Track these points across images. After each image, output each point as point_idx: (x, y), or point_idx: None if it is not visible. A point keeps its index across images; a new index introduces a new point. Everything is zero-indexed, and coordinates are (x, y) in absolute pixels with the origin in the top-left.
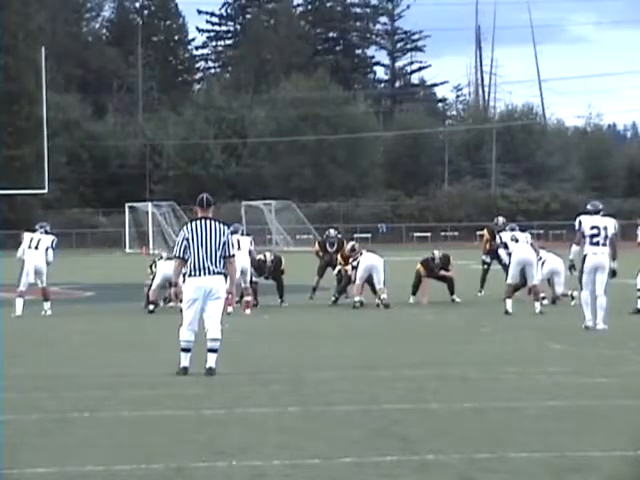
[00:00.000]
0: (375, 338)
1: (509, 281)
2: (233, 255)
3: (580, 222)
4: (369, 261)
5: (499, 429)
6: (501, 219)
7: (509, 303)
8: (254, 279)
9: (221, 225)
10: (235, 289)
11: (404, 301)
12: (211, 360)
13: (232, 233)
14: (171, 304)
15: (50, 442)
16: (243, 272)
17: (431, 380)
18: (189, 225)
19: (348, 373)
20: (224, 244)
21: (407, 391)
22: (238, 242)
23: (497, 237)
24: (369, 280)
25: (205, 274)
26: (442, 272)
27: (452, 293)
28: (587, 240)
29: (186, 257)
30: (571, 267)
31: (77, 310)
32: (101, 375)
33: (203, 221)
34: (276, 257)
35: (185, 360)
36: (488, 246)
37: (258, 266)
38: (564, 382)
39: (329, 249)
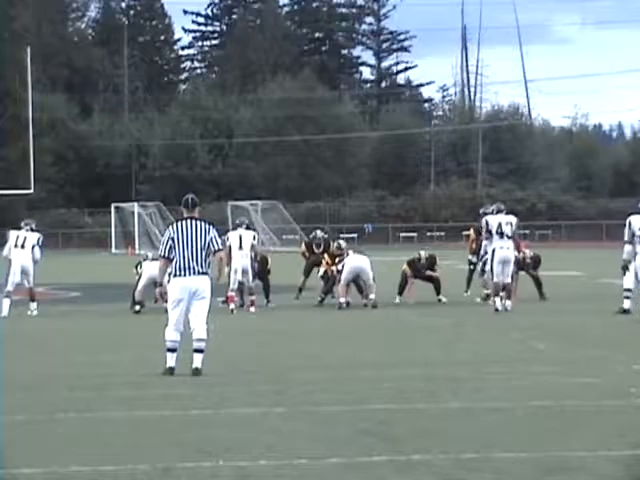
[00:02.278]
0: (361, 338)
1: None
2: (220, 249)
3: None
4: (354, 262)
5: (485, 429)
6: None
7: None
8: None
9: (206, 225)
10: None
11: (390, 302)
12: (197, 360)
13: (236, 227)
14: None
15: (36, 442)
16: (244, 272)
17: (417, 380)
18: (174, 225)
19: (334, 373)
20: (210, 242)
21: (393, 391)
22: (240, 238)
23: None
24: (355, 280)
25: (190, 274)
26: (428, 272)
27: (438, 293)
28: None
29: (171, 257)
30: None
31: (63, 310)
32: (88, 375)
33: (188, 221)
34: (262, 257)
35: (171, 360)
36: (474, 246)
37: None
38: (550, 382)
39: (315, 250)
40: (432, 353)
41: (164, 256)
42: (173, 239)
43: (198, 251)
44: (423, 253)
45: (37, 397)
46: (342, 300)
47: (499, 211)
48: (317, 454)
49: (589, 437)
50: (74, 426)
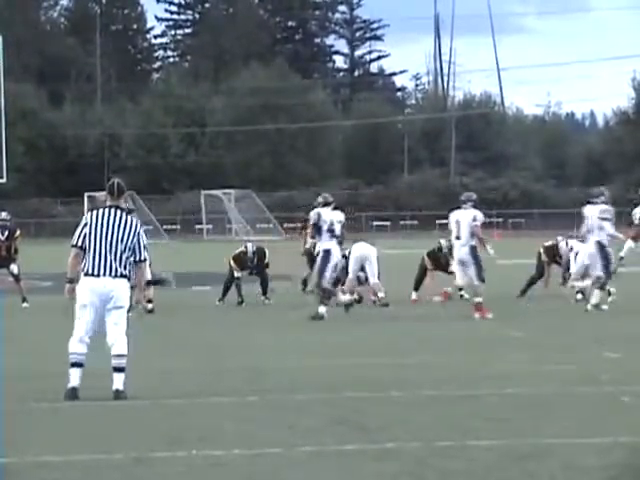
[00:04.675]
0: (334, 327)
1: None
2: (145, 260)
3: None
4: (360, 251)
5: (458, 417)
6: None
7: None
8: (236, 274)
9: (133, 219)
10: None
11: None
12: (118, 381)
13: (465, 203)
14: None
15: (8, 432)
16: (464, 264)
17: (391, 368)
18: (93, 212)
19: (308, 362)
20: (134, 244)
21: (366, 379)
22: (458, 223)
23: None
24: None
25: (104, 274)
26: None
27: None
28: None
29: (84, 246)
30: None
31: (35, 300)
32: (60, 365)
33: (112, 210)
34: (259, 249)
35: (75, 379)
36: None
37: (238, 259)
38: (523, 369)
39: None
40: (405, 341)
41: (76, 245)
42: (90, 227)
43: (118, 248)
44: (444, 242)
45: (9, 387)
46: (346, 298)
47: (327, 204)
48: (291, 443)
49: (561, 424)
50: (46, 416)
